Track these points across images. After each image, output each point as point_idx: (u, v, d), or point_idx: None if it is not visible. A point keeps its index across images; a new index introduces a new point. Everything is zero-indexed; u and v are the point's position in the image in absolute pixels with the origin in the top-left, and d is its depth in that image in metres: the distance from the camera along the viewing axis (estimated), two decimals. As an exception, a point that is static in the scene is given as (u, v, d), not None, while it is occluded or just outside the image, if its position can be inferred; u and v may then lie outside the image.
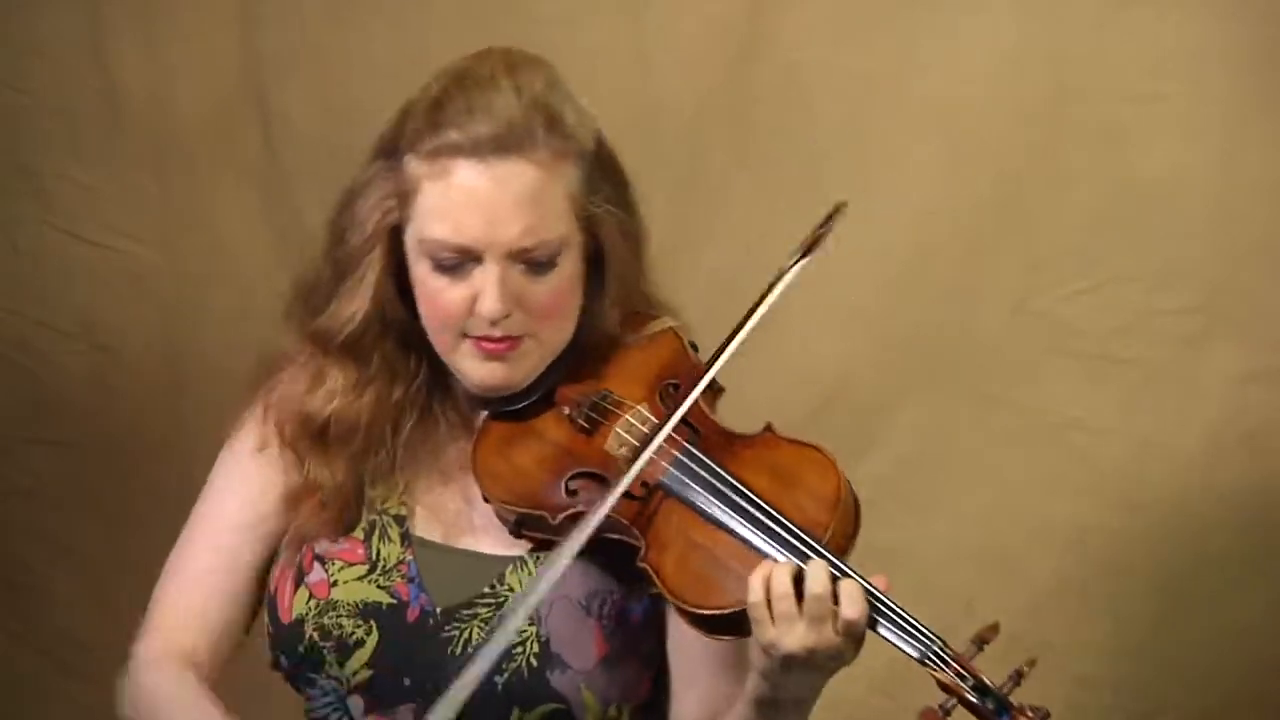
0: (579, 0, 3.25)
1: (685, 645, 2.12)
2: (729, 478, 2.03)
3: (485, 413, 2.17)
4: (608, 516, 2.02)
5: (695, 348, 2.20)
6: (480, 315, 2.07)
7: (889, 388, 3.24)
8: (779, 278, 2.13)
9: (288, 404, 2.18)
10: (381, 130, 2.14)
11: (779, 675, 1.96)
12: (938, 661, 1.94)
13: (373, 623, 2.10)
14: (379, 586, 2.13)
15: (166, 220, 3.37)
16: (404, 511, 2.17)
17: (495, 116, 2.05)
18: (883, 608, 1.95)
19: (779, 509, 2.00)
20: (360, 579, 2.13)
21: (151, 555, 3.35)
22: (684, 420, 2.07)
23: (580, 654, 2.10)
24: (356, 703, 2.11)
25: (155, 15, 3.33)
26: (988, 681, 1.93)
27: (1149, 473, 3.15)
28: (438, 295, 2.09)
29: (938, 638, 1.95)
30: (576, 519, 2.04)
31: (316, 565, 2.15)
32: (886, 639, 1.96)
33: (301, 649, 2.12)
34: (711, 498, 2.03)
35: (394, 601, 2.12)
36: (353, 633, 2.11)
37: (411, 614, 2.11)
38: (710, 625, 2.00)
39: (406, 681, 2.09)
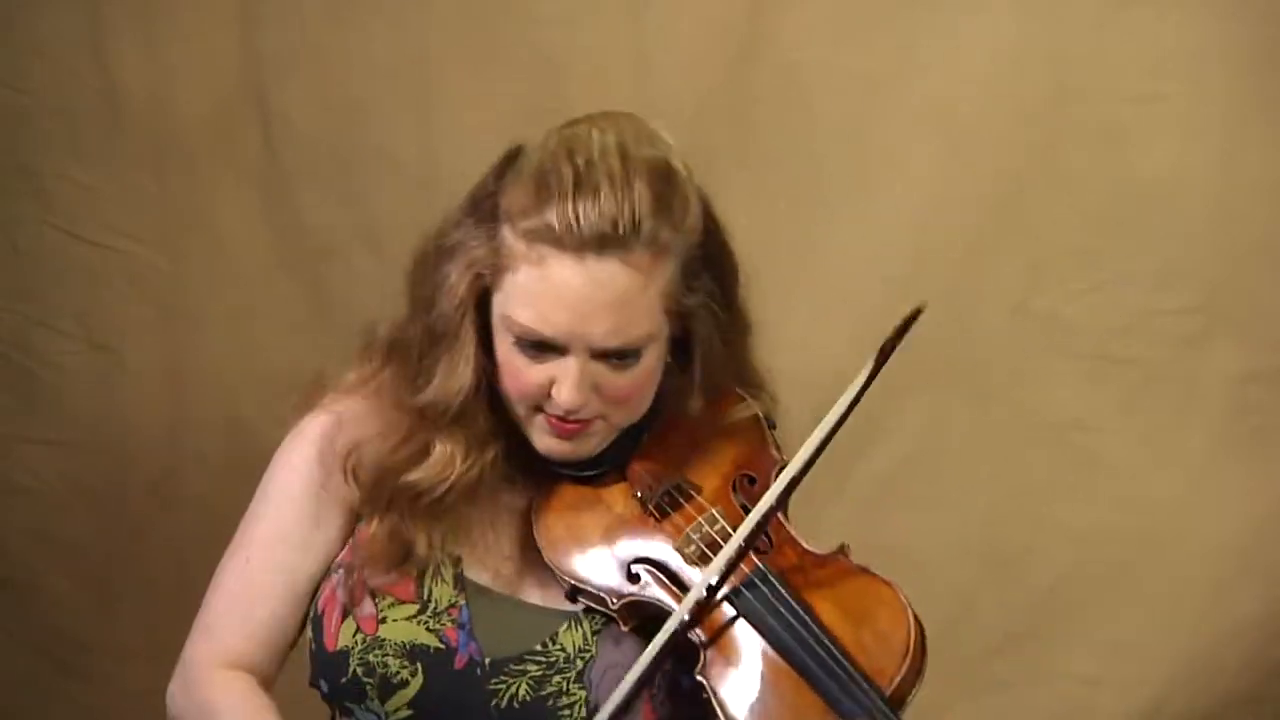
0: (579, 0, 3.25)
1: None
2: (796, 607, 1.97)
3: (558, 469, 2.12)
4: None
5: (772, 425, 2.15)
6: (556, 402, 2.03)
7: (889, 388, 3.23)
8: (862, 387, 2.10)
9: (376, 464, 2.11)
10: (481, 182, 2.08)
11: None
12: None
13: (419, 665, 2.06)
14: (429, 629, 2.08)
15: (166, 220, 3.37)
16: (461, 553, 2.12)
17: (601, 212, 1.98)
18: None
19: (845, 649, 1.94)
20: (410, 619, 2.08)
21: (151, 555, 3.37)
22: (760, 528, 2.01)
23: None
24: None
25: (155, 15, 3.32)
26: None
27: (1148, 473, 3.15)
28: (519, 372, 2.05)
29: None
30: (635, 606, 2.02)
31: (367, 599, 2.09)
32: None
33: (344, 680, 2.08)
34: (778, 623, 1.97)
35: (442, 647, 2.07)
36: (398, 673, 2.06)
37: (459, 661, 2.07)
38: None
39: None
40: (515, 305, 2.02)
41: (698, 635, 1.99)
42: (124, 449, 3.40)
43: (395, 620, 2.08)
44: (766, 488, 2.02)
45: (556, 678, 2.06)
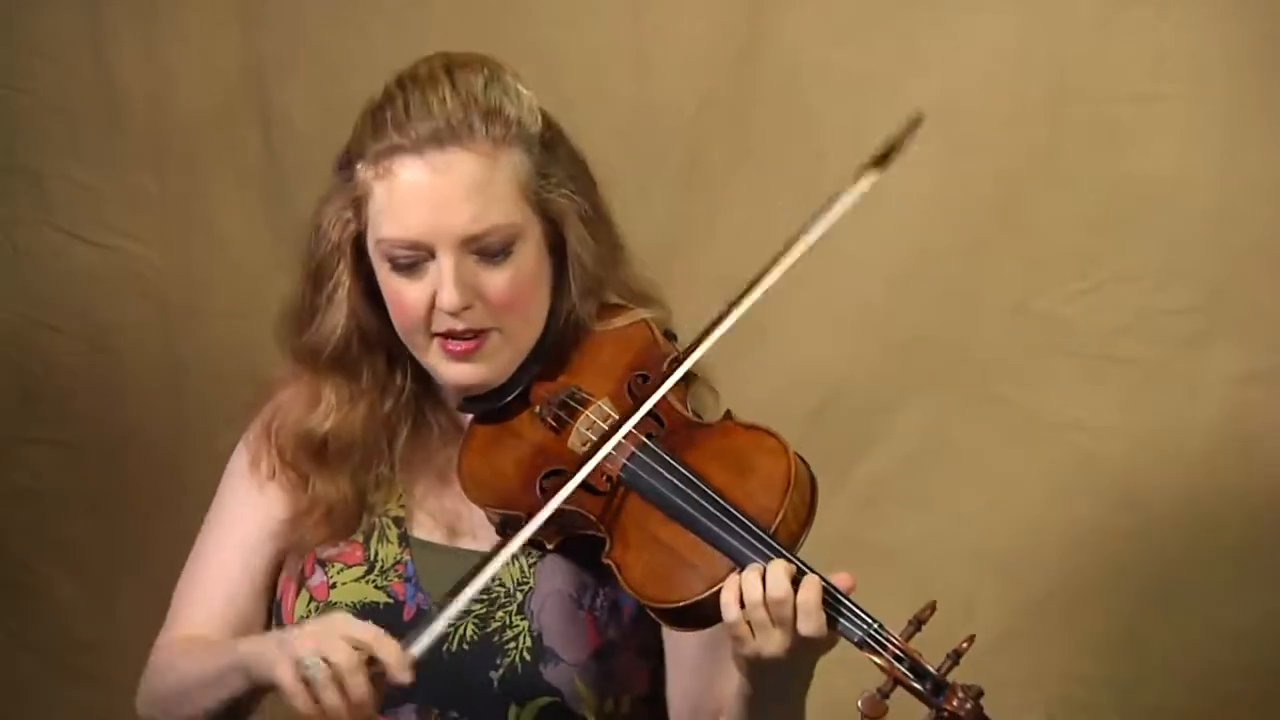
0: (579, 0, 3.25)
1: (673, 637, 2.14)
2: (681, 469, 2.04)
3: (469, 412, 2.19)
4: (575, 512, 2.04)
5: (673, 336, 2.20)
6: (440, 308, 2.09)
7: (889, 387, 3.24)
8: (834, 199, 2.09)
9: (286, 426, 2.21)
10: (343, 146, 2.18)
11: (766, 677, 1.98)
12: (876, 645, 1.94)
13: (370, 622, 2.11)
14: (376, 586, 2.16)
15: (166, 220, 3.37)
16: (402, 514, 2.20)
17: (432, 113, 2.09)
18: (830, 598, 1.96)
19: (730, 499, 2.01)
20: (358, 580, 2.16)
21: (151, 555, 3.37)
22: (651, 414, 2.09)
23: (573, 647, 2.12)
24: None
25: (155, 15, 3.32)
26: (924, 664, 1.93)
27: (1149, 473, 3.15)
28: (400, 296, 2.11)
29: (875, 621, 1.95)
30: (552, 519, 2.06)
31: (317, 569, 2.18)
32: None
33: None
34: (666, 490, 2.04)
35: (390, 601, 2.15)
36: None
37: (408, 612, 2.14)
38: (673, 619, 2.01)
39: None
40: (379, 224, 2.11)
41: (603, 525, 2.05)
42: (124, 449, 3.40)
43: (345, 583, 2.17)
44: (660, 381, 2.09)
45: (499, 613, 2.13)
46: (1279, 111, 3.08)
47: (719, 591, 1.97)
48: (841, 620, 1.95)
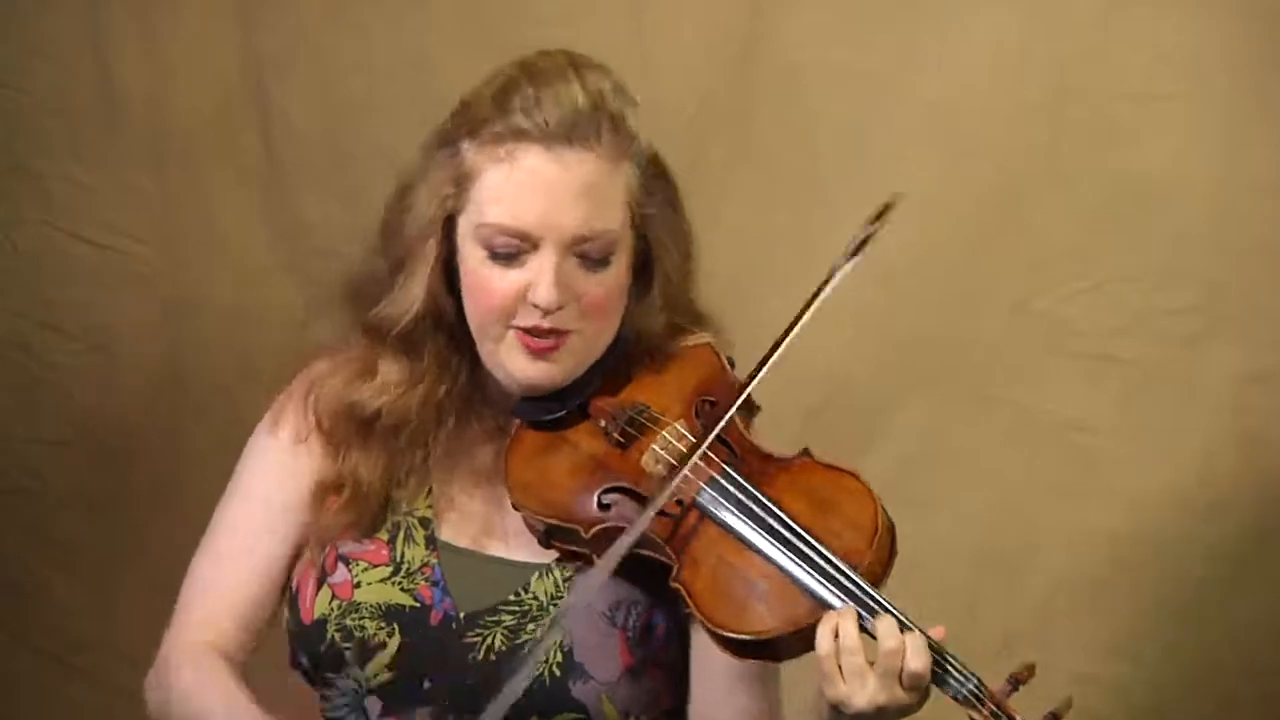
0: (579, 0, 3.25)
1: (708, 659, 2.10)
2: (765, 501, 2.01)
3: (518, 420, 2.15)
4: (642, 533, 2.00)
5: (732, 363, 2.18)
6: (534, 303, 2.06)
7: (889, 387, 3.24)
8: (825, 282, 2.12)
9: (331, 395, 2.17)
10: (439, 124, 2.14)
11: None
12: (975, 700, 1.92)
13: (395, 625, 2.10)
14: (403, 589, 2.12)
15: (166, 220, 3.37)
16: (430, 515, 2.16)
17: (564, 106, 2.06)
18: (934, 653, 1.93)
19: (816, 535, 1.98)
20: (384, 581, 2.12)
21: (151, 555, 3.37)
22: (721, 440, 2.06)
23: (604, 665, 2.09)
24: (374, 704, 2.11)
25: (155, 15, 3.32)
26: None
27: (1149, 473, 3.15)
28: (489, 283, 2.08)
29: (974, 675, 1.93)
30: (609, 534, 2.04)
31: (340, 566, 2.14)
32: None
33: (323, 649, 2.11)
34: (747, 520, 2.01)
35: (417, 605, 2.11)
36: (375, 635, 2.10)
37: (435, 617, 2.11)
38: (741, 649, 1.97)
39: (426, 685, 2.09)
40: (486, 206, 2.07)
41: (669, 546, 2.02)
42: (124, 449, 3.40)
43: (369, 583, 2.12)
44: (727, 408, 2.06)
45: (530, 625, 2.09)
46: (1279, 111, 3.08)
47: (798, 629, 1.94)
48: (947, 679, 1.93)
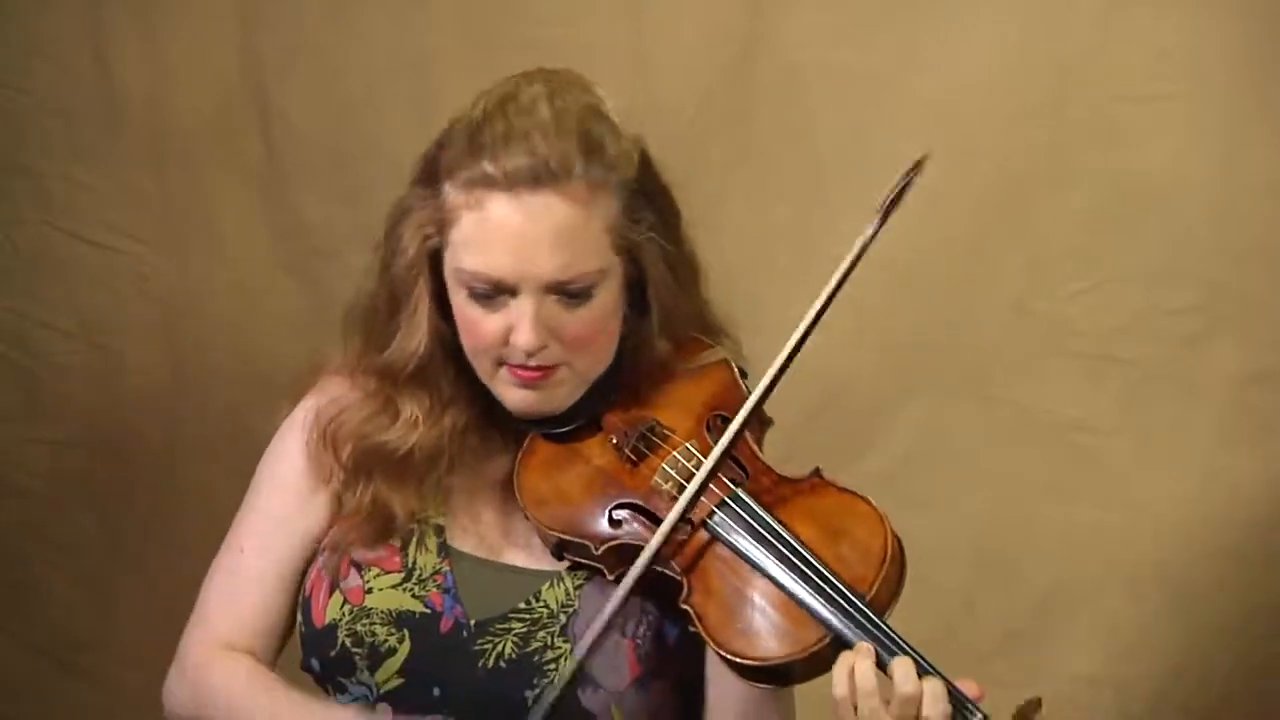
0: (579, 0, 3.25)
1: (723, 681, 2.08)
2: (775, 525, 2.01)
3: (532, 430, 2.15)
4: (654, 553, 2.00)
5: (745, 374, 2.18)
6: (515, 346, 2.06)
7: (889, 387, 3.24)
8: (860, 251, 2.13)
9: (353, 434, 2.16)
10: (425, 150, 2.13)
11: None
12: None
13: (405, 632, 2.10)
14: (414, 596, 2.12)
15: (166, 220, 3.37)
16: (443, 522, 2.16)
17: (532, 148, 2.03)
18: (954, 700, 1.92)
19: (824, 562, 1.98)
20: (395, 587, 2.12)
21: (151, 555, 3.37)
22: (732, 459, 2.05)
23: (613, 674, 2.09)
24: (385, 711, 2.10)
25: (155, 15, 3.33)
26: None
27: (1149, 473, 3.15)
28: (474, 325, 2.08)
29: (983, 714, 1.92)
30: (619, 550, 2.05)
31: (353, 571, 2.14)
32: None
33: (333, 654, 2.11)
34: (757, 544, 2.00)
35: (428, 611, 2.11)
36: (385, 640, 2.10)
37: (445, 624, 2.10)
38: (748, 674, 1.97)
39: (436, 692, 2.09)
40: (462, 254, 2.06)
41: (678, 566, 2.02)
42: (124, 449, 3.40)
43: (381, 589, 2.12)
44: (737, 422, 2.05)
45: (541, 633, 2.09)
46: (1279, 111, 3.08)
47: (806, 654, 1.94)
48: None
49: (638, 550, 2.02)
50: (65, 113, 3.34)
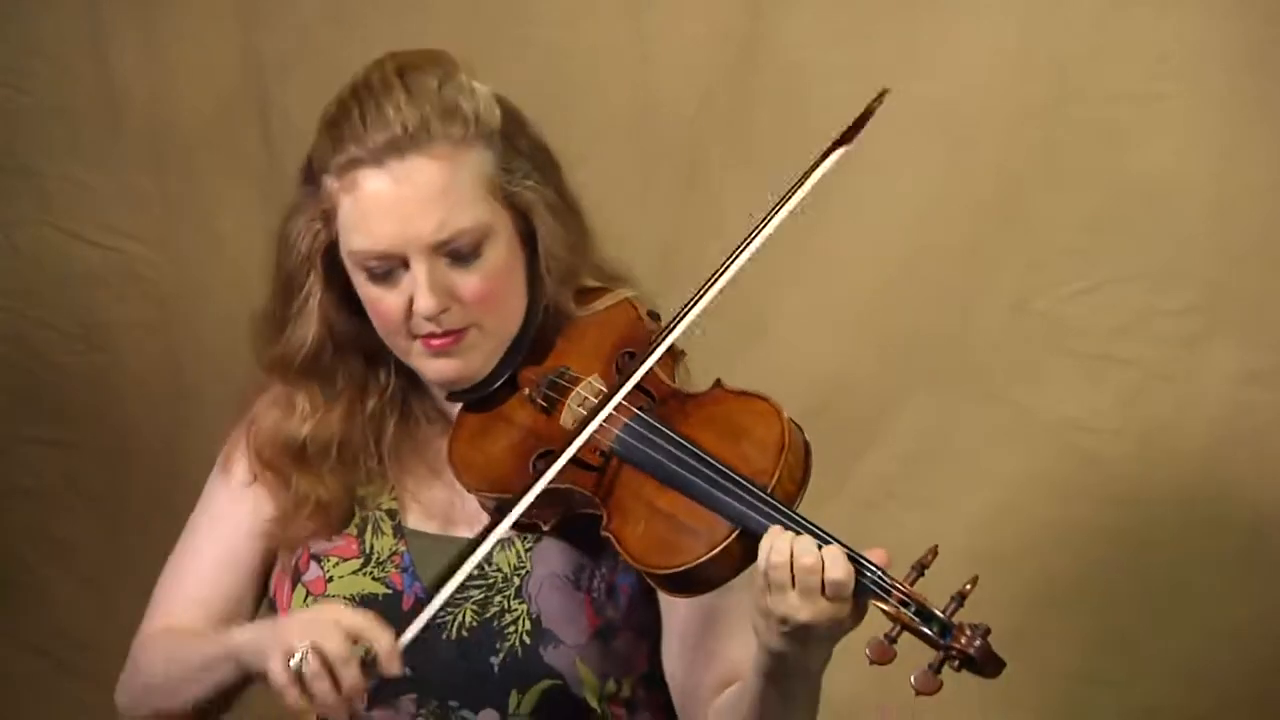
0: (579, 1, 3.25)
1: (672, 616, 2.15)
2: (675, 436, 2.05)
3: (457, 403, 2.20)
4: (569, 489, 2.05)
5: (656, 316, 2.21)
6: (418, 313, 2.11)
7: (889, 388, 3.24)
8: (811, 168, 2.14)
9: (265, 431, 2.23)
10: (307, 154, 2.19)
11: (782, 645, 1.97)
12: (880, 591, 1.95)
13: (369, 614, 2.11)
14: (374, 578, 2.17)
15: (166, 220, 3.37)
16: (395, 506, 2.21)
17: (389, 122, 2.09)
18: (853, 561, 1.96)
19: (724, 461, 2.02)
20: (355, 572, 2.18)
21: (151, 555, 3.35)
22: (639, 388, 2.10)
23: (572, 629, 2.13)
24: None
25: (155, 15, 3.33)
26: (929, 606, 1.95)
27: (1149, 473, 3.15)
28: (378, 304, 2.13)
29: (878, 568, 1.96)
30: (545, 497, 2.07)
31: (313, 564, 2.20)
32: None
33: None
34: (661, 459, 2.04)
35: (389, 591, 2.17)
36: None
37: (406, 602, 2.16)
38: (673, 584, 2.02)
39: (407, 670, 2.10)
40: (348, 237, 2.12)
41: (597, 498, 2.06)
42: (124, 449, 3.40)
43: (341, 576, 2.18)
44: (647, 355, 2.10)
45: (498, 598, 2.15)
46: (1279, 111, 3.08)
47: (719, 552, 1.98)
48: (862, 580, 1.95)
49: (563, 492, 2.06)
50: (65, 113, 3.34)
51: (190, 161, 3.35)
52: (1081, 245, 3.15)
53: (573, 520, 2.09)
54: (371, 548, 2.19)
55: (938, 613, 1.94)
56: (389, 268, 2.11)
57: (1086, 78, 3.12)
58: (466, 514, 2.18)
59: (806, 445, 2.06)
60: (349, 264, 2.14)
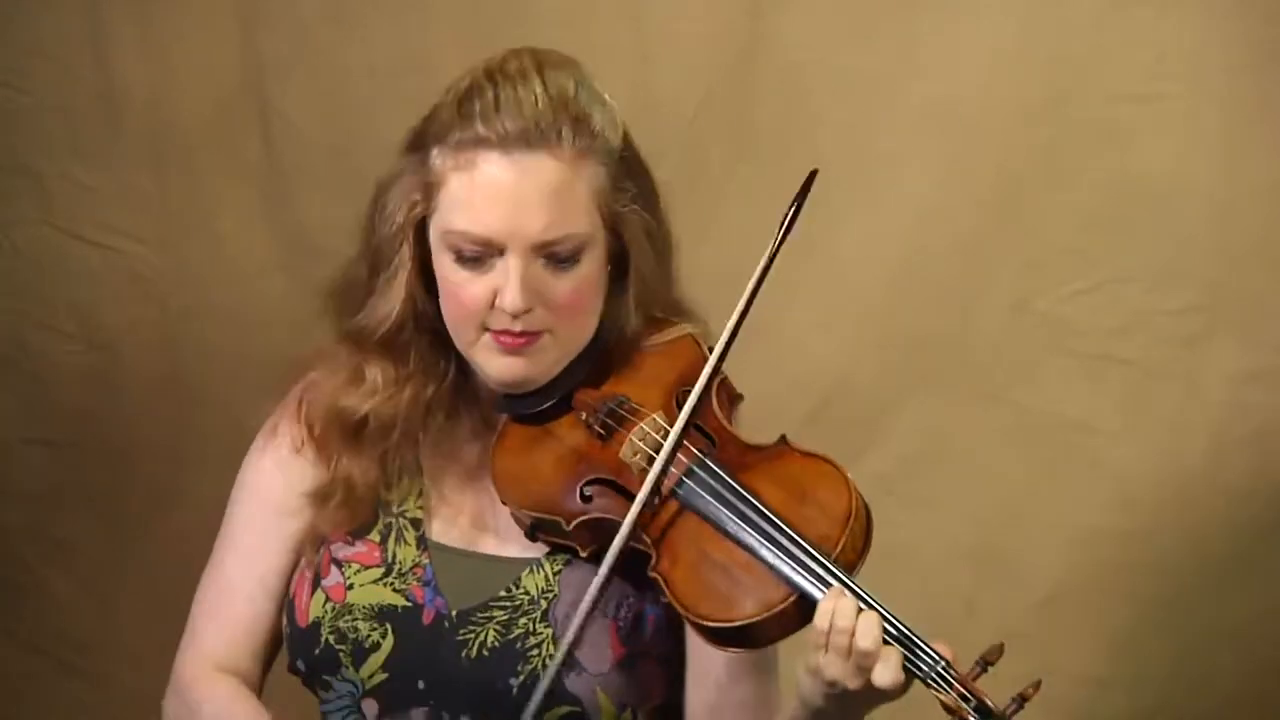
0: (579, 1, 3.25)
1: (703, 652, 2.10)
2: (740, 490, 2.02)
3: (505, 416, 2.17)
4: (621, 523, 2.02)
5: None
6: (501, 308, 2.07)
7: (889, 388, 3.24)
8: (768, 260, 2.13)
9: (320, 401, 2.18)
10: (413, 125, 2.15)
11: (825, 705, 1.96)
12: (941, 683, 1.93)
13: (388, 626, 2.11)
14: (395, 589, 2.13)
15: (166, 220, 3.37)
16: (420, 515, 2.17)
17: (523, 112, 2.06)
18: (894, 630, 1.94)
19: (789, 523, 1.99)
20: (376, 582, 2.14)
21: (151, 555, 3.37)
22: (700, 430, 2.07)
23: (596, 657, 2.10)
24: (371, 706, 2.12)
25: (155, 15, 3.32)
26: (990, 704, 1.92)
27: (1149, 473, 3.15)
28: (460, 288, 2.09)
29: (942, 658, 1.93)
30: (590, 525, 2.06)
31: (334, 569, 2.16)
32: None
33: (318, 652, 2.12)
34: (723, 509, 2.02)
35: (409, 604, 2.12)
36: (368, 636, 2.11)
37: (427, 616, 2.12)
38: (719, 637, 1.99)
39: (421, 685, 2.10)
40: (451, 215, 2.08)
41: (648, 537, 2.03)
42: (124, 449, 3.40)
43: (362, 585, 2.14)
44: (703, 396, 2.07)
45: (522, 620, 2.11)
46: (1279, 111, 3.08)
47: (774, 615, 1.95)
48: (916, 664, 1.93)
49: (609, 524, 2.04)
50: (65, 113, 3.34)
51: (190, 161, 3.35)
52: (1081, 245, 3.16)
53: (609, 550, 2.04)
54: (394, 556, 2.15)
55: (995, 709, 1.91)
56: (482, 254, 2.07)
57: (1086, 78, 3.13)
58: (496, 526, 2.15)
59: (869, 515, 2.03)
60: (438, 242, 2.10)
